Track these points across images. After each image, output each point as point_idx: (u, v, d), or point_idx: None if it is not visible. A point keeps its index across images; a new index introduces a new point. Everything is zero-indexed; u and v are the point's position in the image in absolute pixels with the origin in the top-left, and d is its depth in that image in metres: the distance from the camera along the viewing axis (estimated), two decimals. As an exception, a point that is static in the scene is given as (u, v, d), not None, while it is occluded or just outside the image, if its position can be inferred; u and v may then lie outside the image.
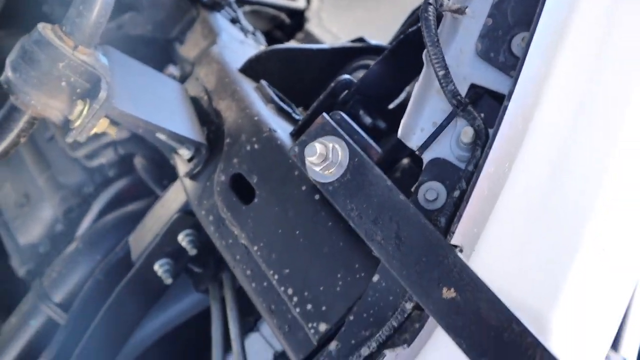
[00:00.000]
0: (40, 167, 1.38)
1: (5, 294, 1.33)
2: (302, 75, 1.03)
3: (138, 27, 1.29)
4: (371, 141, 0.71)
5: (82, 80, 0.75)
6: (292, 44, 1.53)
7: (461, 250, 0.65)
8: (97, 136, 1.34)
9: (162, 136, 0.88)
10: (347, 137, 0.69)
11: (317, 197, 0.79)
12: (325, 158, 0.66)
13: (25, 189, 1.38)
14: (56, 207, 1.34)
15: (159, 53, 1.22)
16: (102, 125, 0.76)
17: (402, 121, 0.70)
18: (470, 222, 0.65)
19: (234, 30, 1.24)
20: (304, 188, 0.80)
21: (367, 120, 0.91)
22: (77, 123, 0.74)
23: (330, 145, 0.67)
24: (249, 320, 1.17)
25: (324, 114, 0.71)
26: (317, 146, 0.67)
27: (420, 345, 0.68)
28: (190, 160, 0.92)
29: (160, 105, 0.90)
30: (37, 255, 1.34)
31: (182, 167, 0.94)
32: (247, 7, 1.56)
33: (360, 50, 1.07)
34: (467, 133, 0.65)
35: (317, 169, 0.67)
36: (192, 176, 0.92)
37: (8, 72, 0.73)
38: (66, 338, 1.10)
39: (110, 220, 1.20)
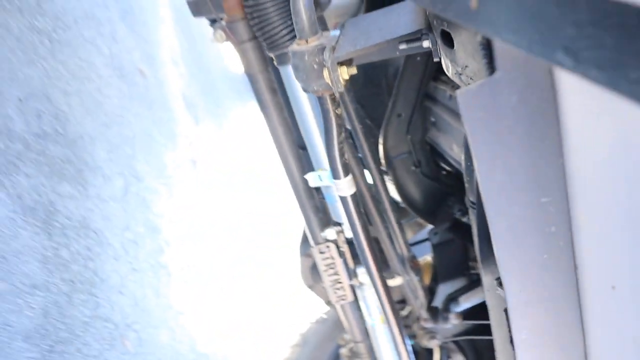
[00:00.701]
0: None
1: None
2: None
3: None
4: None
5: (321, 57, 1.09)
6: None
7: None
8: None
9: (402, 46, 1.09)
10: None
11: None
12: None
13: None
14: None
15: None
16: (343, 72, 1.08)
17: None
18: None
19: None
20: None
21: None
22: (329, 81, 1.09)
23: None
24: None
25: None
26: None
27: None
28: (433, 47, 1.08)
29: (389, 26, 1.13)
30: None
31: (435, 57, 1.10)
32: None
33: None
34: None
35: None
36: (439, 57, 1.07)
37: (297, 79, 1.16)
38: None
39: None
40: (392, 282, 1.96)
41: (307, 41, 1.12)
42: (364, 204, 1.73)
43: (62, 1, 2.18)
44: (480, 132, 0.62)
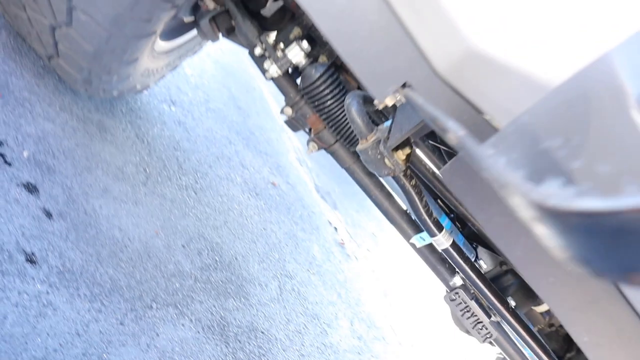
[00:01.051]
0: None
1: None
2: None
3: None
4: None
5: (380, 149, 1.34)
6: None
7: None
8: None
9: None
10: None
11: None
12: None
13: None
14: None
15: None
16: (399, 155, 1.30)
17: None
18: None
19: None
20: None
21: None
22: (391, 166, 1.32)
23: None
24: None
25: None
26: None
27: None
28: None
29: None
30: None
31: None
32: None
33: None
34: None
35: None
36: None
37: (370, 170, 1.40)
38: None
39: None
40: (540, 308, 2.02)
41: (366, 139, 1.37)
42: (484, 239, 1.86)
43: (196, 155, 2.70)
44: (468, 195, 0.82)
